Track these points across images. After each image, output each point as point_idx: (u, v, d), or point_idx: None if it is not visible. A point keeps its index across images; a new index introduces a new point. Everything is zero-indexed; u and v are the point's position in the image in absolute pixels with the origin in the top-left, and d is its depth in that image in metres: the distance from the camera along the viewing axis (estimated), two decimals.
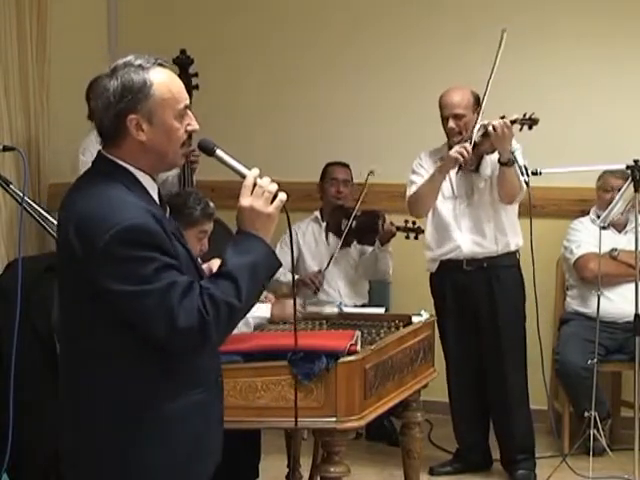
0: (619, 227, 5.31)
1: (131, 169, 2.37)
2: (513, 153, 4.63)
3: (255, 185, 2.37)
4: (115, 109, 2.32)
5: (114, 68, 2.36)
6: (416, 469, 4.22)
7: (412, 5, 5.91)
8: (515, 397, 4.85)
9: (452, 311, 4.91)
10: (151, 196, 2.40)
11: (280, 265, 2.41)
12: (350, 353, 3.40)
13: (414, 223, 5.25)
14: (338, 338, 3.51)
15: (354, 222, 5.42)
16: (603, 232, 4.81)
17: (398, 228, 5.32)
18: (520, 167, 4.59)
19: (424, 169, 4.88)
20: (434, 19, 5.87)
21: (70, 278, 2.37)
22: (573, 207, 5.51)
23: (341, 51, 6.01)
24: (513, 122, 4.56)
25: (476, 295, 4.84)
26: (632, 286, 4.59)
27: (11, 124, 5.07)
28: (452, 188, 4.85)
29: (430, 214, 4.89)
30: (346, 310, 4.55)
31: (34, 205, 3.63)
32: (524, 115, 4.59)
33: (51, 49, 5.31)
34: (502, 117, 4.56)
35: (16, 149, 3.78)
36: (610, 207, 4.86)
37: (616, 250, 5.20)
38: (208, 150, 2.47)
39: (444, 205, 4.85)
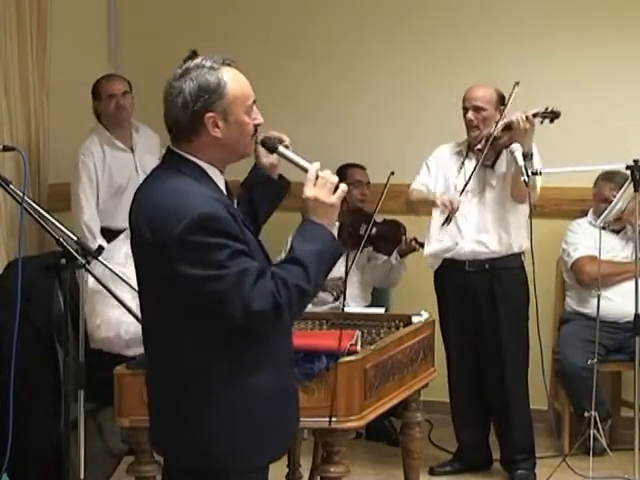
0: (617, 228, 5.30)
1: (199, 162, 2.50)
2: (513, 153, 4.63)
3: (318, 177, 2.52)
4: (193, 109, 2.45)
5: (185, 70, 2.49)
6: (416, 469, 4.22)
7: (428, 8, 5.90)
8: (515, 397, 4.85)
9: (454, 311, 4.92)
10: (219, 187, 2.53)
11: (342, 252, 2.54)
12: (350, 353, 3.41)
13: None
14: (338, 338, 3.51)
15: (374, 229, 5.38)
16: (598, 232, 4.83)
17: (422, 245, 5.24)
18: (519, 167, 4.59)
19: (432, 166, 4.92)
20: (450, 21, 5.86)
21: (144, 266, 2.53)
22: (573, 207, 5.51)
23: (351, 53, 6.00)
24: (534, 115, 4.58)
25: (477, 296, 4.84)
26: (631, 285, 4.59)
27: (11, 124, 5.06)
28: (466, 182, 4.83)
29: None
30: (346, 310, 4.55)
31: (34, 205, 3.64)
32: (546, 109, 4.61)
33: (51, 49, 5.30)
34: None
35: (16, 149, 3.79)
36: (610, 207, 4.87)
37: None
38: (270, 147, 2.65)
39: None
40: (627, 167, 4.48)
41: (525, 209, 4.79)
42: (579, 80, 5.62)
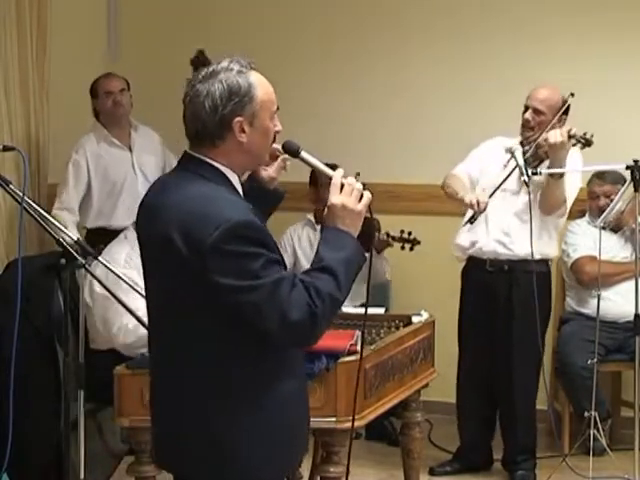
0: (616, 227, 5.30)
1: (221, 168, 2.43)
2: (513, 153, 4.63)
3: (343, 184, 2.46)
4: (222, 112, 2.39)
5: (211, 72, 2.41)
6: (416, 469, 4.23)
7: (428, 8, 5.90)
8: (521, 400, 4.85)
9: (471, 309, 4.94)
10: (239, 193, 2.47)
11: (365, 260, 2.50)
12: (350, 353, 3.41)
13: (410, 234, 5.25)
14: (338, 338, 3.51)
15: None
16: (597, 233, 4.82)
17: (393, 238, 5.29)
18: (519, 167, 4.59)
19: (479, 155, 4.89)
20: (450, 21, 5.85)
21: (170, 274, 2.39)
22: (573, 207, 5.48)
23: (346, 55, 6.01)
24: (571, 136, 4.55)
25: (495, 297, 4.84)
26: (631, 285, 4.59)
27: (11, 124, 5.07)
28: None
29: None
30: (346, 310, 4.54)
31: (34, 205, 3.63)
32: (584, 134, 4.59)
33: (51, 49, 5.31)
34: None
35: (16, 149, 3.78)
36: (610, 207, 4.86)
37: None
38: (293, 152, 2.56)
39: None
40: (627, 167, 4.48)
41: (556, 220, 4.80)
42: (579, 80, 5.62)
